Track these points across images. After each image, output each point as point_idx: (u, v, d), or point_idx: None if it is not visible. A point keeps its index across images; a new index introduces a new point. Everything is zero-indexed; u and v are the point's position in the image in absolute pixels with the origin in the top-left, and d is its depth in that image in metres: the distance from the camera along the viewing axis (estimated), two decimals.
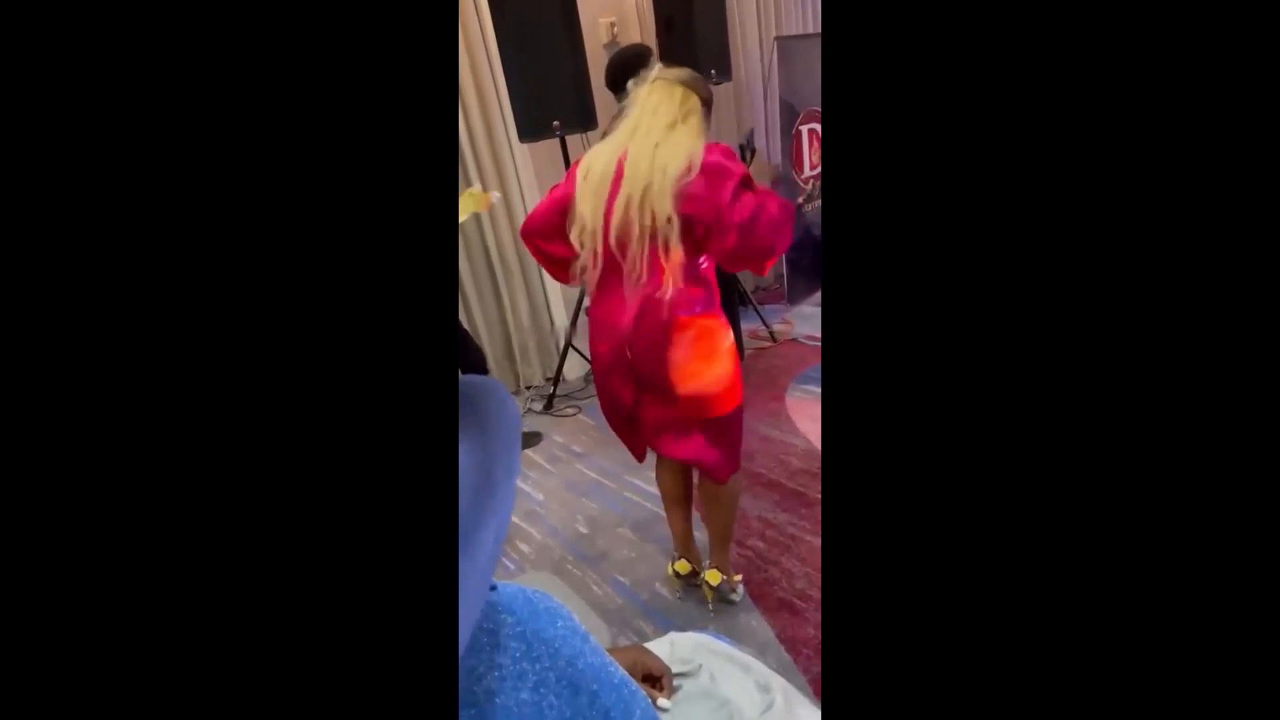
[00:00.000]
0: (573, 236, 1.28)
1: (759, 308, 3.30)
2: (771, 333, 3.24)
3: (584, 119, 2.41)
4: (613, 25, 2.98)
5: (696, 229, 1.21)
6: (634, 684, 0.52)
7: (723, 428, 1.39)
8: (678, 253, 1.20)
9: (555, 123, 2.34)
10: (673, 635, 0.90)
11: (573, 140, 2.50)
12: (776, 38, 3.23)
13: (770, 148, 3.57)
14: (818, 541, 1.77)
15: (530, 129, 2.40)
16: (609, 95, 2.23)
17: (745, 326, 3.15)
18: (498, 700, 0.40)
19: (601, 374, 1.40)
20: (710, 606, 1.61)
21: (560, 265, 1.38)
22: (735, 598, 1.61)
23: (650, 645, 0.86)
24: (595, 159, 1.26)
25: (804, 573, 1.68)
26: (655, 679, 0.75)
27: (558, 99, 2.36)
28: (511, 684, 0.41)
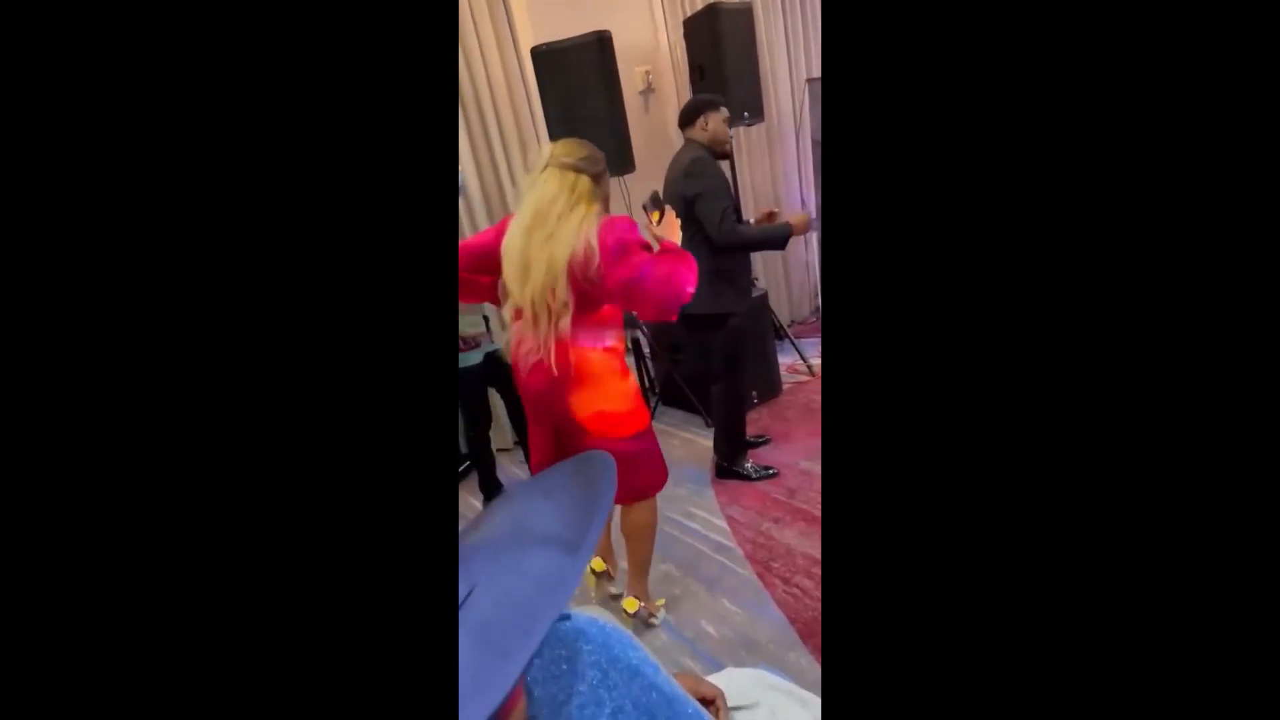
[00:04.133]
0: (507, 311, 1.45)
1: (795, 341, 3.29)
2: (809, 366, 3.22)
3: (622, 162, 2.49)
4: (648, 73, 3.10)
5: (591, 296, 1.39)
6: (706, 714, 0.52)
7: (625, 454, 1.48)
8: (565, 331, 1.37)
9: None
10: (730, 671, 0.89)
11: (611, 185, 2.58)
12: (809, 79, 3.31)
13: (804, 184, 3.61)
14: None
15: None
16: (645, 138, 2.28)
17: (783, 361, 3.14)
18: None
19: (529, 405, 1.56)
20: (630, 629, 1.66)
21: (474, 290, 1.56)
22: (655, 621, 1.70)
23: (709, 679, 0.85)
24: (511, 242, 1.41)
25: None
26: (709, 702, 0.74)
27: (597, 143, 2.44)
28: (590, 712, 0.42)
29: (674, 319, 1.48)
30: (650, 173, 2.29)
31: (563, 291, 1.33)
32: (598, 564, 1.88)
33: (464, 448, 2.42)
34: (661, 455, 1.59)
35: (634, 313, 1.47)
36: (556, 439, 1.53)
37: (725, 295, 2.09)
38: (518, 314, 1.41)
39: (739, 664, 1.55)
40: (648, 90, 3.10)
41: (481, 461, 2.36)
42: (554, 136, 2.50)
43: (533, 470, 1.67)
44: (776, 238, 2.10)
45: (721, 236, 1.98)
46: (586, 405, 1.46)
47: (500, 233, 1.45)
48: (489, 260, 1.46)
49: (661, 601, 1.76)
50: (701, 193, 1.99)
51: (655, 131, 3.11)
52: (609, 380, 1.46)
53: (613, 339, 1.48)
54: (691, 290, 1.41)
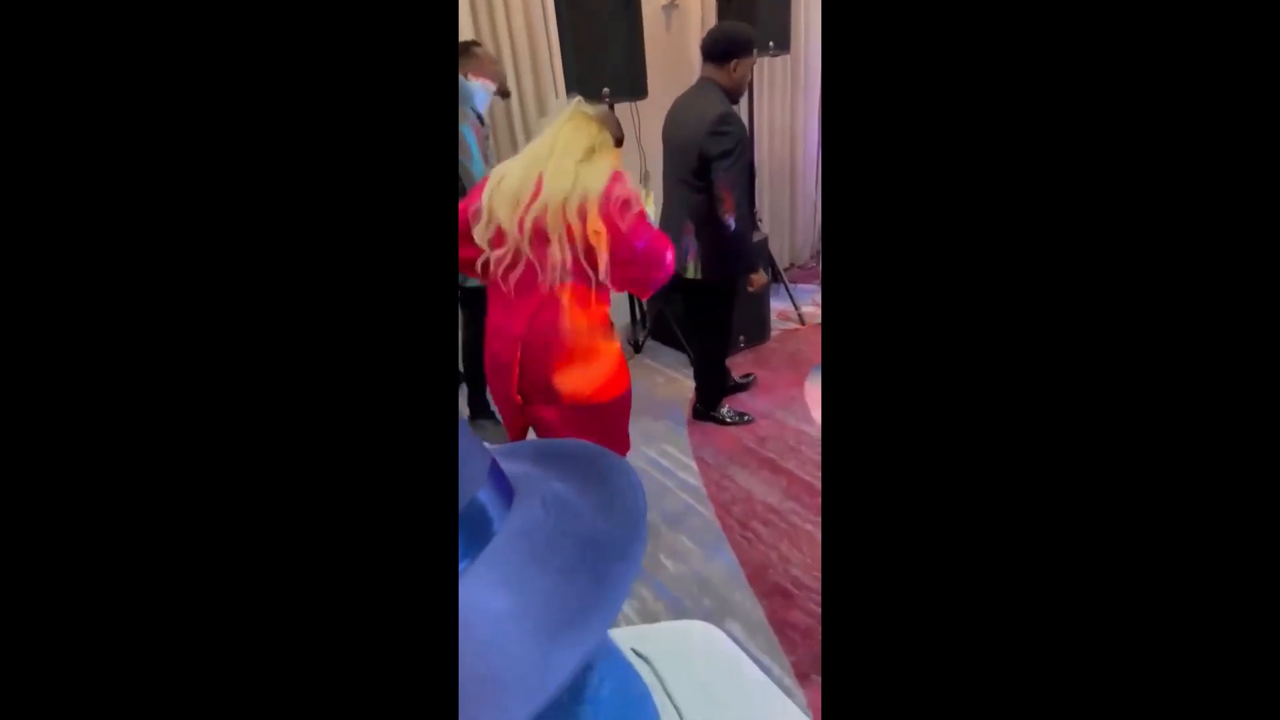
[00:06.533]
0: (477, 234, 1.39)
1: (790, 287, 3.28)
2: (800, 314, 3.23)
3: (634, 87, 2.39)
4: None
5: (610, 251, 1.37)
6: None
7: (601, 416, 1.51)
8: (604, 260, 1.35)
9: (605, 90, 2.33)
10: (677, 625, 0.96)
11: (620, 110, 2.48)
12: None
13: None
14: (819, 534, 1.83)
15: (579, 92, 2.38)
16: (663, 60, 2.16)
17: (775, 306, 3.15)
18: None
19: (492, 372, 1.54)
20: None
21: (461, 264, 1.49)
22: None
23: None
24: (510, 170, 1.38)
25: (801, 561, 1.75)
26: None
27: (610, 63, 2.33)
28: None
29: (645, 296, 1.49)
30: (666, 101, 2.18)
31: (595, 220, 1.32)
32: None
33: (460, 366, 2.48)
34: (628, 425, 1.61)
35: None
36: (527, 398, 1.52)
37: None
38: (496, 242, 1.36)
39: (690, 598, 1.69)
40: (670, 5, 2.91)
41: (474, 381, 2.42)
42: (564, 48, 2.37)
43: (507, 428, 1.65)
44: (748, 260, 2.10)
45: (733, 211, 1.96)
46: (568, 380, 1.44)
47: (474, 198, 1.41)
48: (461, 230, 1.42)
49: None
50: (726, 153, 1.93)
51: (675, 53, 2.94)
52: (598, 346, 1.44)
53: (605, 298, 1.46)
54: (669, 276, 1.44)
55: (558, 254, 1.33)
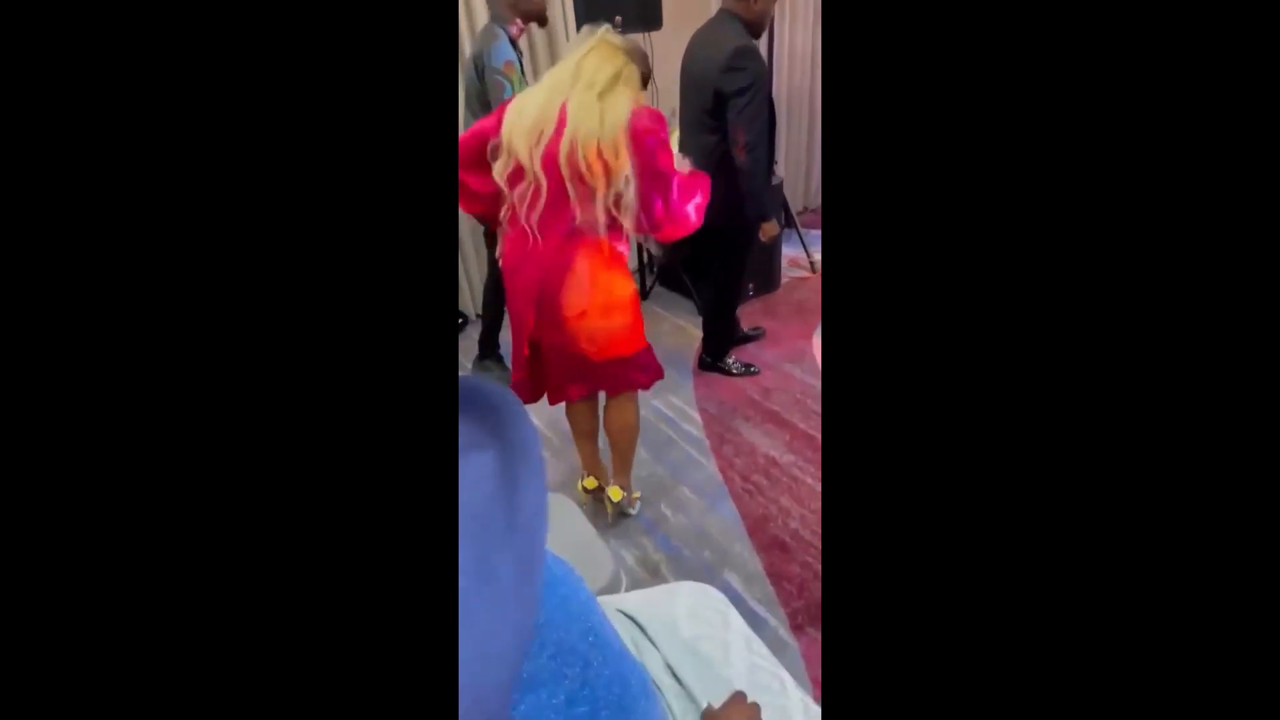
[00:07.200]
0: (496, 172, 1.33)
1: (802, 232, 3.19)
2: (811, 262, 3.16)
3: (648, 16, 2.24)
4: None
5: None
6: (639, 665, 0.57)
7: (626, 365, 1.50)
8: (629, 213, 1.30)
9: (617, 18, 2.18)
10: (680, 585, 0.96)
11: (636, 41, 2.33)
12: None
13: None
14: (819, 487, 1.85)
15: (589, 16, 2.23)
16: None
17: (786, 253, 3.07)
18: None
19: (513, 315, 1.50)
20: (609, 520, 1.78)
21: (473, 197, 1.42)
22: (632, 511, 1.80)
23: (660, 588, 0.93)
24: (530, 101, 1.30)
25: (800, 514, 1.78)
26: None
27: None
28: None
29: (672, 239, 1.42)
30: (685, 33, 2.05)
31: (625, 165, 1.25)
32: (590, 482, 1.79)
33: (477, 306, 2.44)
34: (656, 359, 1.57)
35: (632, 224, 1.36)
36: (545, 352, 1.47)
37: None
38: (515, 177, 1.29)
39: (690, 548, 1.72)
40: None
41: (491, 317, 2.39)
42: None
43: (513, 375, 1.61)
44: (761, 206, 2.01)
45: (745, 153, 1.87)
46: (587, 335, 1.39)
47: (500, 119, 1.32)
48: (485, 152, 1.33)
49: (638, 495, 1.82)
50: (742, 90, 1.81)
51: None
52: (617, 291, 1.39)
53: (624, 251, 1.41)
54: (696, 226, 1.38)
55: (595, 209, 1.27)
